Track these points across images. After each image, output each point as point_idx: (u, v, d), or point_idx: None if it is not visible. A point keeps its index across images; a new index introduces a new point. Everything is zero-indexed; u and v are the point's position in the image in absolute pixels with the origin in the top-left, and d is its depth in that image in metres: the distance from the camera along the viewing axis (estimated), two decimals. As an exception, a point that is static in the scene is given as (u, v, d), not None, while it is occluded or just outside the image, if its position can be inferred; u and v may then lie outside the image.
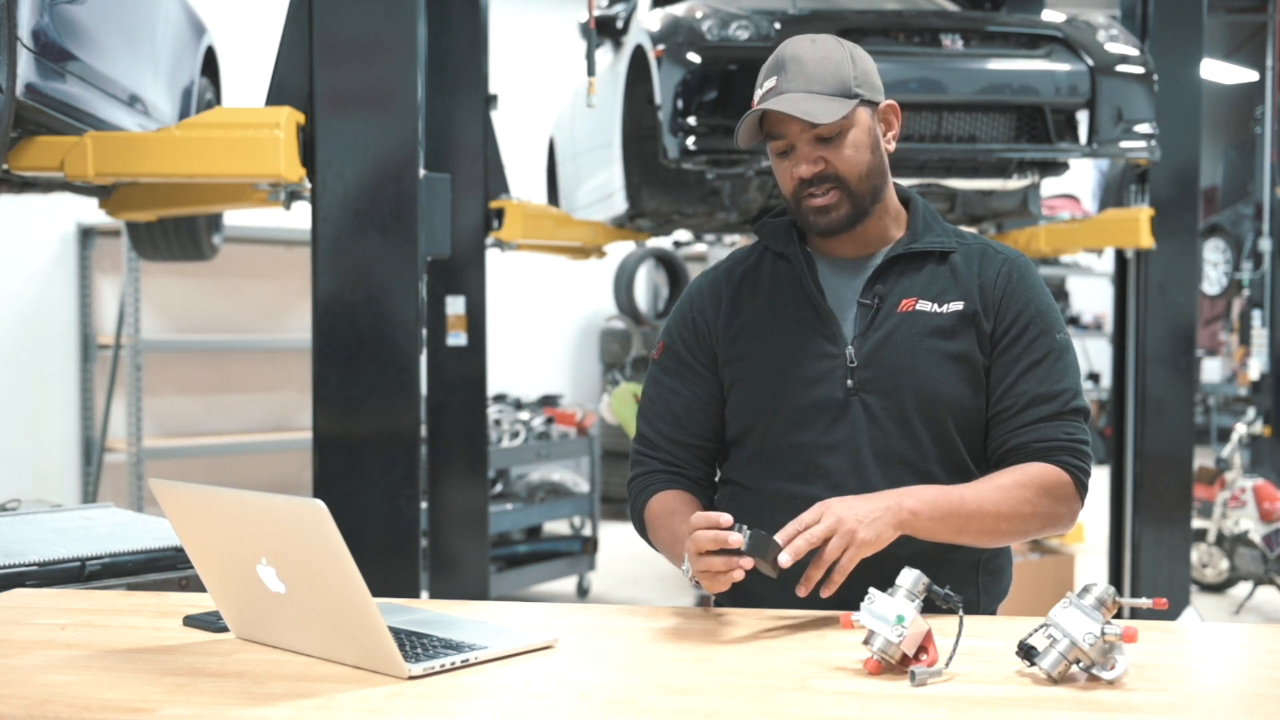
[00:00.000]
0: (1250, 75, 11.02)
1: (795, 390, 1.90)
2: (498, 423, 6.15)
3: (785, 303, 1.94)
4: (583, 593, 6.48)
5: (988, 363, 1.89)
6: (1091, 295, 11.50)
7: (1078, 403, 1.88)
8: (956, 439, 1.89)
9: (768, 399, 1.92)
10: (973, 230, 2.06)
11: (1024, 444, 1.86)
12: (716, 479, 2.07)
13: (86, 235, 6.14)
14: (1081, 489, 1.87)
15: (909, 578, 1.52)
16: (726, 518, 1.66)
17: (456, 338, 4.86)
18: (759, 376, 1.93)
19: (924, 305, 1.89)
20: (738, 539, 1.63)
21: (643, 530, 2.01)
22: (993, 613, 1.94)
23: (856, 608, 1.51)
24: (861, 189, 1.89)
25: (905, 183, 4.78)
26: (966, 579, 1.89)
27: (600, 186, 5.44)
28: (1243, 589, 6.27)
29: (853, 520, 1.68)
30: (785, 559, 1.65)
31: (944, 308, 1.89)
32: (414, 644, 1.56)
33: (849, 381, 1.88)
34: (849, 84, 1.86)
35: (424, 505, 4.80)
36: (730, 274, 2.02)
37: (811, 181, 1.86)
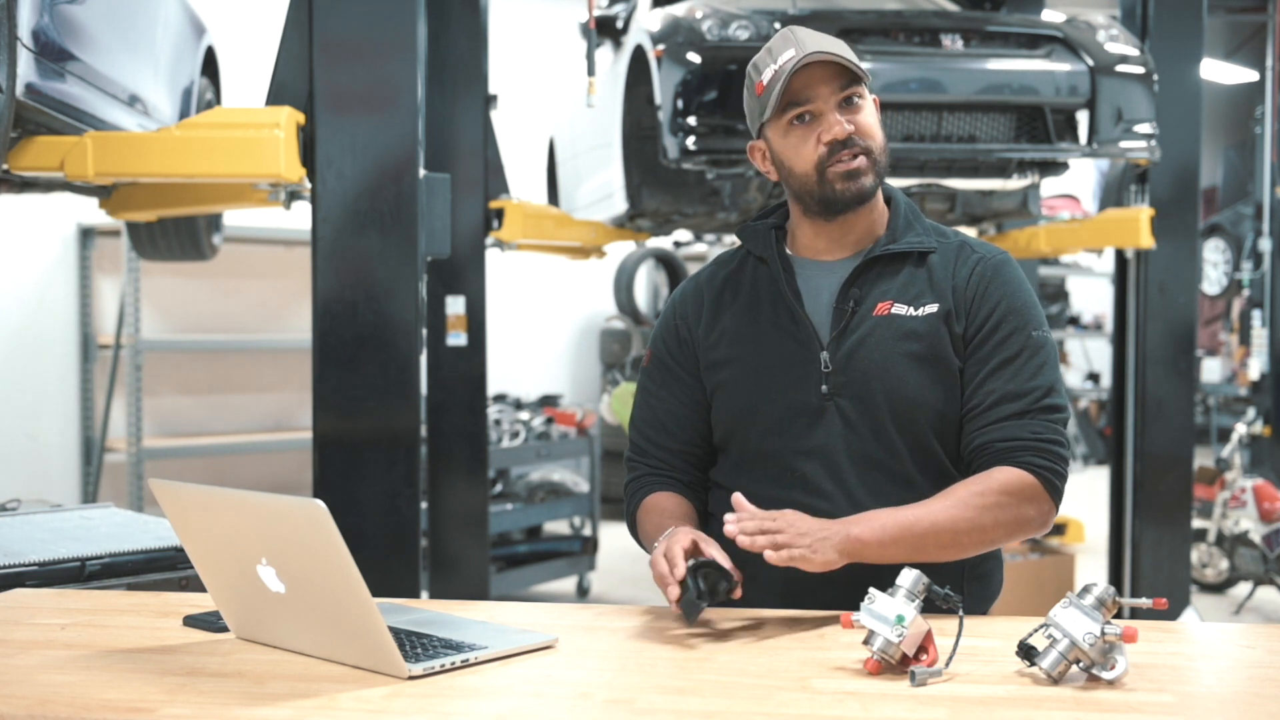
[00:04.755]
0: (1250, 75, 11.02)
1: (771, 395, 1.90)
2: (498, 423, 6.15)
3: (763, 307, 1.94)
4: (583, 593, 6.48)
5: (962, 364, 1.88)
6: (1091, 295, 11.50)
7: (1050, 400, 1.83)
8: (933, 442, 1.88)
9: (745, 404, 1.93)
10: (959, 229, 2.05)
11: (988, 443, 1.83)
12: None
13: (86, 235, 6.13)
14: (1051, 490, 1.81)
15: (909, 578, 1.52)
16: (680, 570, 1.69)
17: (456, 338, 4.86)
18: (737, 382, 1.94)
19: (899, 309, 1.88)
20: (674, 593, 1.69)
21: (633, 527, 2.03)
22: (985, 612, 1.94)
23: (856, 608, 1.51)
24: (882, 161, 1.89)
25: (905, 183, 4.79)
26: (953, 585, 1.88)
27: (600, 186, 5.44)
28: (1243, 589, 6.27)
29: (796, 532, 1.69)
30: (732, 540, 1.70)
31: (919, 311, 1.88)
32: (414, 644, 1.56)
33: (824, 386, 1.88)
34: (858, 61, 1.89)
35: (424, 505, 4.80)
36: (712, 279, 2.03)
37: (844, 144, 1.85)
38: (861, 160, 1.86)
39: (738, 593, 1.71)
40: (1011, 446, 1.81)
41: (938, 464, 1.89)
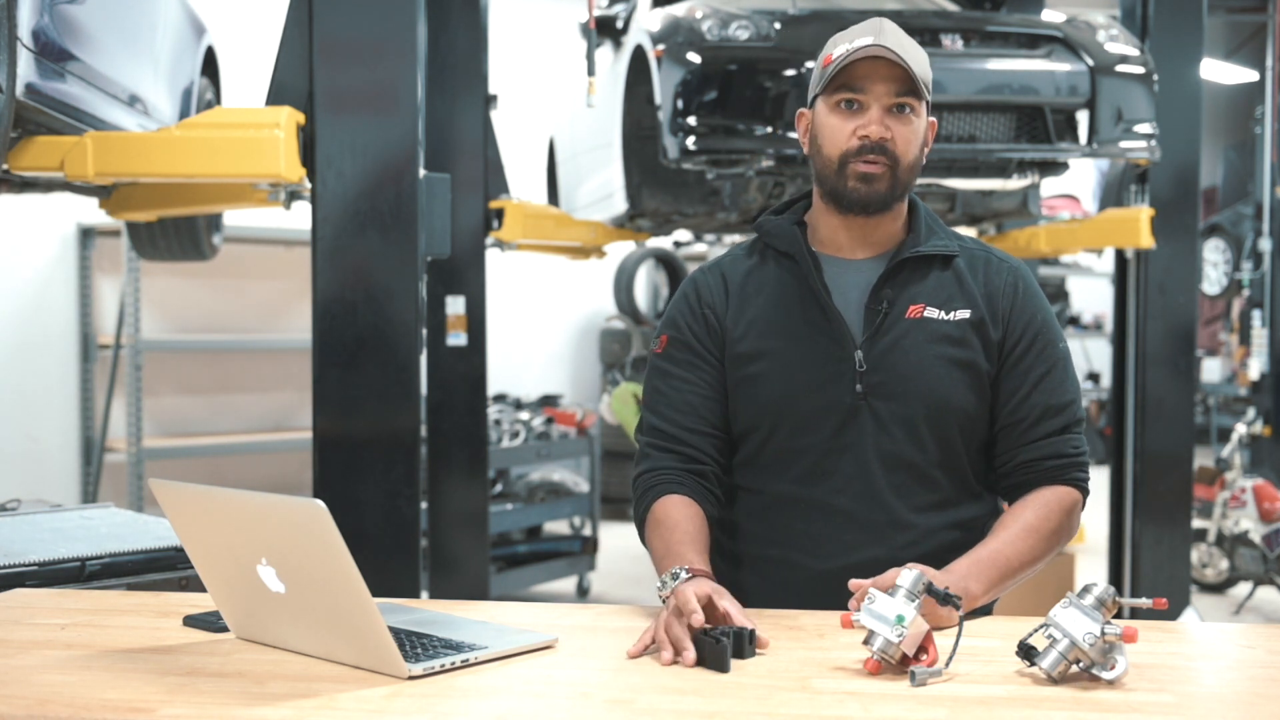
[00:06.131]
0: (1250, 75, 11.01)
1: (803, 393, 1.89)
2: (498, 423, 6.15)
3: (792, 303, 1.93)
4: (583, 593, 6.48)
5: (992, 370, 1.91)
6: (1091, 295, 11.50)
7: (1078, 412, 1.95)
8: (960, 445, 1.91)
9: (776, 399, 1.90)
10: (969, 233, 2.08)
11: (1035, 459, 1.91)
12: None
13: (86, 235, 6.13)
14: (1086, 497, 1.95)
15: (909, 578, 1.52)
16: (699, 617, 1.54)
17: (456, 338, 4.86)
18: (768, 376, 1.91)
19: (931, 312, 1.90)
20: (690, 657, 1.52)
21: (641, 527, 1.96)
22: (989, 611, 1.95)
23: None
24: (905, 178, 1.90)
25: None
26: None
27: (600, 186, 5.44)
28: (1243, 589, 6.27)
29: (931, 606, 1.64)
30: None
31: (951, 315, 1.90)
32: (414, 644, 1.56)
33: (858, 386, 1.87)
34: (929, 77, 1.89)
35: (424, 505, 4.80)
36: (734, 270, 2.00)
37: (873, 148, 1.85)
38: (883, 169, 1.86)
39: (763, 642, 1.59)
40: (1060, 465, 1.92)
41: (959, 465, 1.92)
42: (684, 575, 1.68)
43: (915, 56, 1.86)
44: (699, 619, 1.55)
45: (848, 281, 1.93)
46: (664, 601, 1.67)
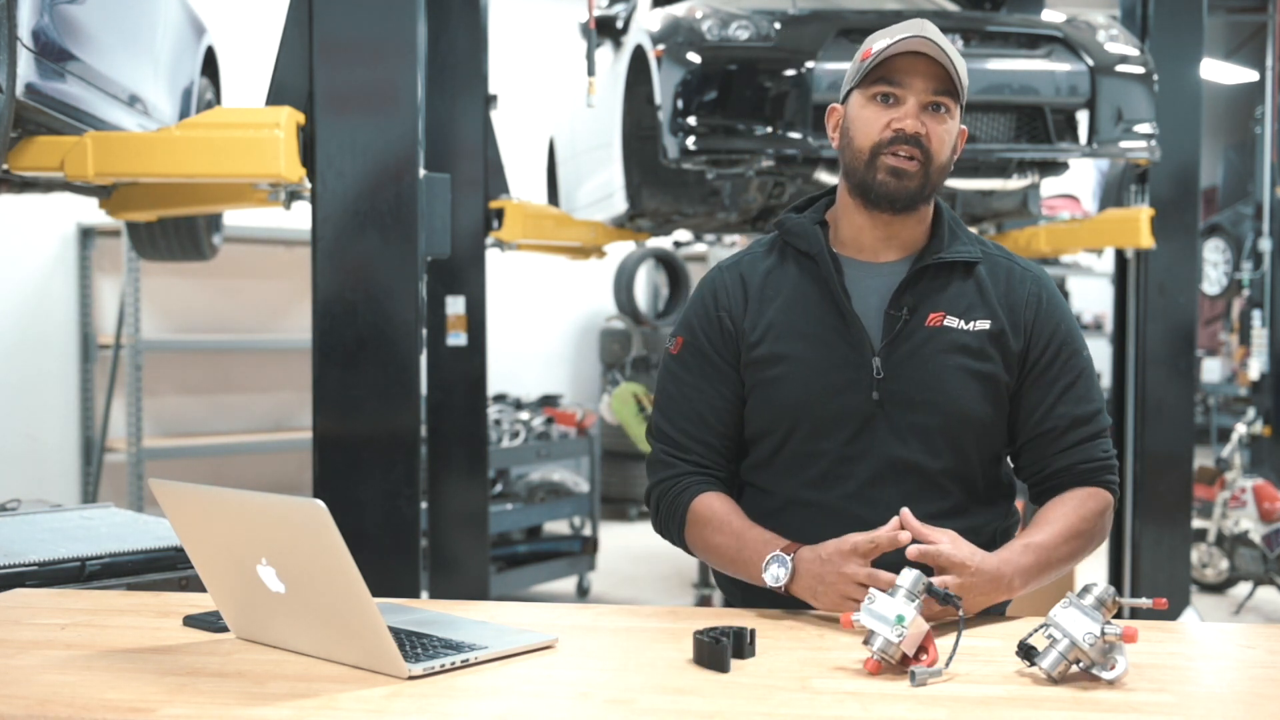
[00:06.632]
0: (1250, 75, 11.01)
1: (820, 398, 1.88)
2: (498, 423, 6.15)
3: (810, 305, 1.92)
4: (583, 593, 6.48)
5: (1011, 381, 1.91)
6: (1091, 295, 11.49)
7: (1105, 419, 1.97)
8: (973, 454, 1.91)
9: (793, 403, 1.90)
10: (986, 237, 2.08)
11: (1069, 466, 1.93)
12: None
13: (86, 235, 6.13)
14: (1117, 500, 1.98)
15: (909, 578, 1.52)
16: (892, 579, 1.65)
17: (456, 338, 4.86)
18: (786, 380, 1.91)
19: (951, 321, 1.89)
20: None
21: (680, 531, 1.96)
22: (1002, 613, 1.94)
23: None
24: (935, 178, 1.89)
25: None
26: None
27: (600, 186, 5.44)
28: (1243, 589, 6.27)
29: (975, 590, 1.72)
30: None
31: (971, 325, 1.89)
32: (414, 644, 1.56)
33: (875, 394, 1.87)
34: (966, 81, 1.90)
35: (424, 505, 4.80)
36: (753, 270, 1.98)
37: (907, 140, 1.85)
38: (916, 166, 1.86)
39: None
40: (1092, 469, 1.95)
41: (970, 474, 1.92)
42: (787, 558, 1.76)
43: (956, 58, 1.87)
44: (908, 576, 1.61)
45: (868, 285, 1.92)
46: (785, 592, 1.76)
